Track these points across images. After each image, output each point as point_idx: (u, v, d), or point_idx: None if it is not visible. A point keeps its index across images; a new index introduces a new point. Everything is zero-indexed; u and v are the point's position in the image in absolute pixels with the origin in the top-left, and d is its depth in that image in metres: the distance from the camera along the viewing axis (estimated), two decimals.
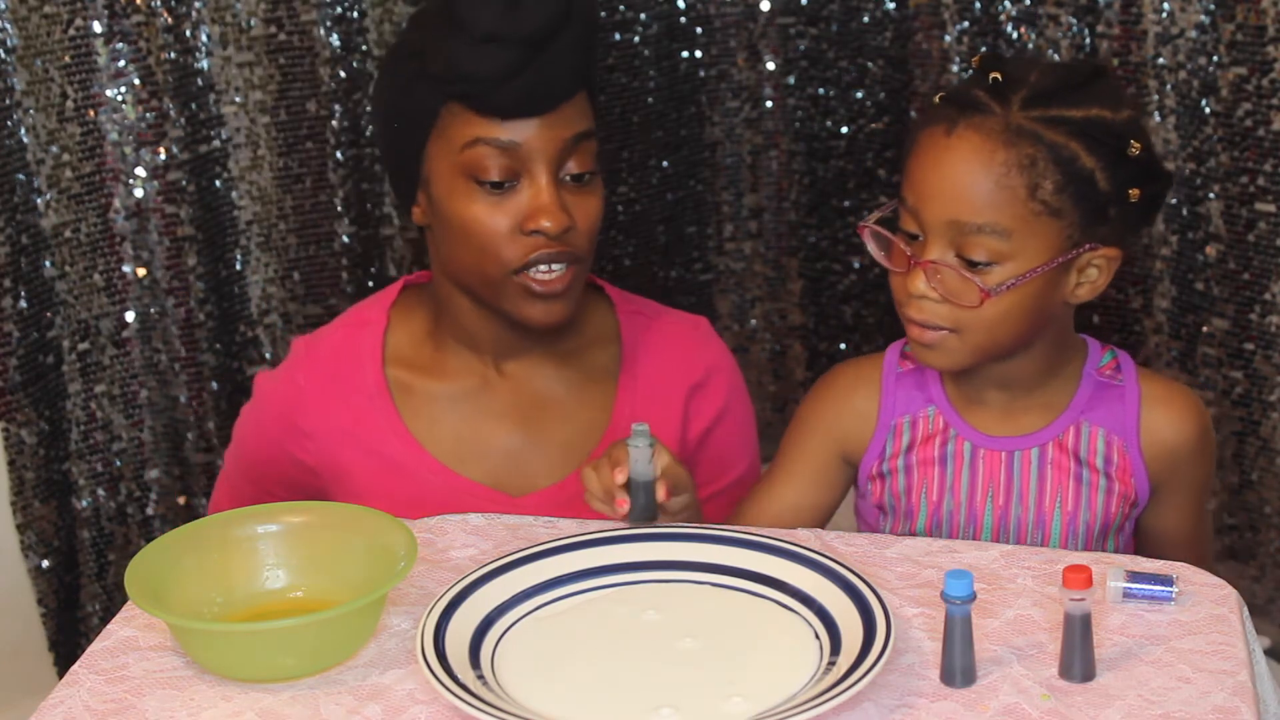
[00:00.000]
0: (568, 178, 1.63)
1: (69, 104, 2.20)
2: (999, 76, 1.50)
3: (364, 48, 2.34)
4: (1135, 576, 1.36)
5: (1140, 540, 1.64)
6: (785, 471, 1.68)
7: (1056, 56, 2.35)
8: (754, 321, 2.79)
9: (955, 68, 2.43)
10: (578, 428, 1.74)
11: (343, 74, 2.33)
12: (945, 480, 1.60)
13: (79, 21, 2.19)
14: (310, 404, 1.74)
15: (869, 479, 1.64)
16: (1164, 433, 1.59)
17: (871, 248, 1.55)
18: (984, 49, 1.57)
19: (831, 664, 1.28)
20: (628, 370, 1.76)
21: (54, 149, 2.21)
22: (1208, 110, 2.23)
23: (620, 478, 1.49)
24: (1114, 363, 1.61)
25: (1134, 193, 1.49)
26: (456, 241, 1.64)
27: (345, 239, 2.41)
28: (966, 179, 1.48)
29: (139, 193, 2.26)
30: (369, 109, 1.72)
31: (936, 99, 1.53)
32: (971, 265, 1.48)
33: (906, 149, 1.54)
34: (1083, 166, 1.47)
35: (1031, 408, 1.60)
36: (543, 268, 1.62)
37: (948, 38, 2.43)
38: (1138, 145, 1.49)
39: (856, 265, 2.68)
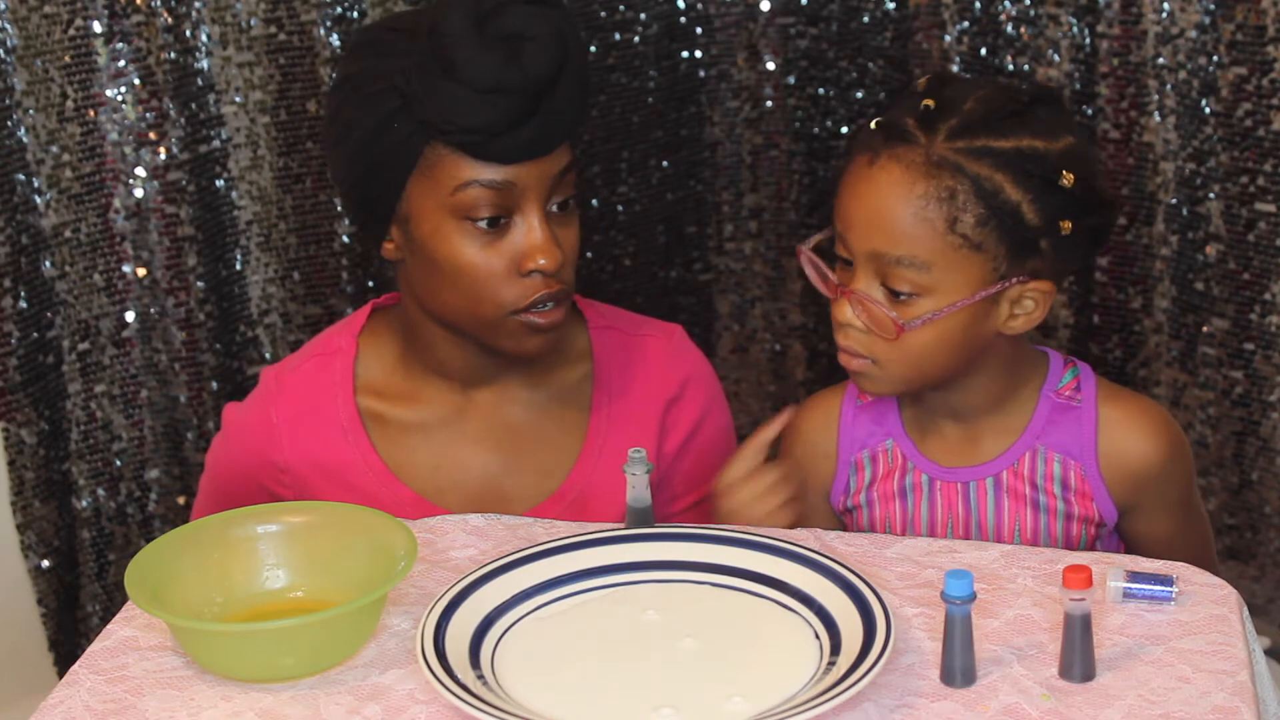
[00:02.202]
0: (554, 208, 1.61)
1: (69, 104, 2.21)
2: (931, 104, 1.46)
3: None
4: (1135, 576, 1.36)
5: (1130, 547, 1.62)
6: None
7: (1056, 57, 2.35)
8: (754, 321, 2.79)
9: (955, 68, 2.43)
10: (553, 451, 1.72)
11: None
12: (906, 514, 1.60)
13: (79, 21, 2.19)
14: (283, 438, 1.71)
15: (839, 514, 1.65)
16: (1125, 456, 1.55)
17: (809, 272, 1.53)
18: (929, 75, 1.53)
19: (831, 664, 1.28)
20: (601, 389, 1.73)
21: (54, 149, 2.21)
22: (1208, 110, 2.23)
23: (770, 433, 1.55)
24: (1074, 382, 1.57)
25: (1065, 225, 1.45)
26: (445, 282, 1.61)
27: (345, 239, 2.41)
28: (885, 211, 1.45)
29: (139, 193, 2.26)
30: (325, 136, 1.67)
31: (872, 124, 1.50)
32: (896, 296, 1.46)
33: (837, 173, 1.52)
34: (1007, 199, 1.44)
35: (988, 434, 1.58)
36: (540, 308, 1.61)
37: (948, 38, 2.43)
38: (1070, 176, 1.45)
39: None
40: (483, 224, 1.58)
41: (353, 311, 2.37)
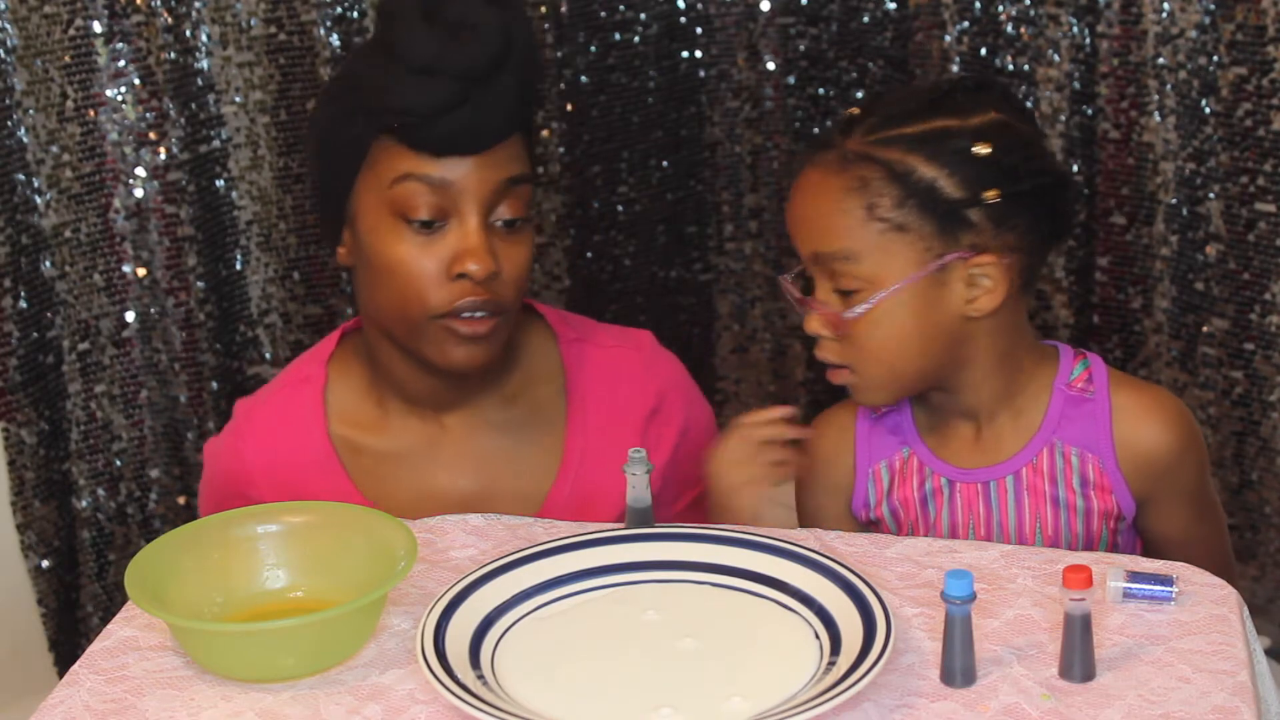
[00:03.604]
0: (499, 223, 1.58)
1: (69, 104, 2.21)
2: (855, 111, 1.53)
3: None
4: (1135, 576, 1.36)
5: (1147, 544, 1.62)
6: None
7: (1056, 57, 2.35)
8: (754, 321, 2.79)
9: (955, 68, 2.43)
10: (530, 474, 1.70)
11: None
12: (928, 519, 1.60)
13: (79, 21, 2.19)
14: (256, 473, 1.68)
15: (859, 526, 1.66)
16: (1140, 445, 1.56)
17: (789, 300, 1.57)
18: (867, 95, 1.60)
19: (831, 664, 1.28)
20: (575, 406, 1.71)
21: (54, 149, 2.21)
22: (1208, 110, 2.23)
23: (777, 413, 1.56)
24: (1086, 373, 1.58)
25: (990, 194, 1.48)
26: (379, 282, 1.59)
27: None
28: (811, 211, 1.52)
29: (139, 193, 2.26)
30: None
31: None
32: (847, 297, 1.50)
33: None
34: (921, 177, 1.47)
35: (1003, 432, 1.58)
36: (466, 315, 1.57)
37: (948, 38, 2.43)
38: (985, 146, 1.48)
39: None
40: (417, 224, 1.56)
41: (352, 312, 2.38)
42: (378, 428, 1.69)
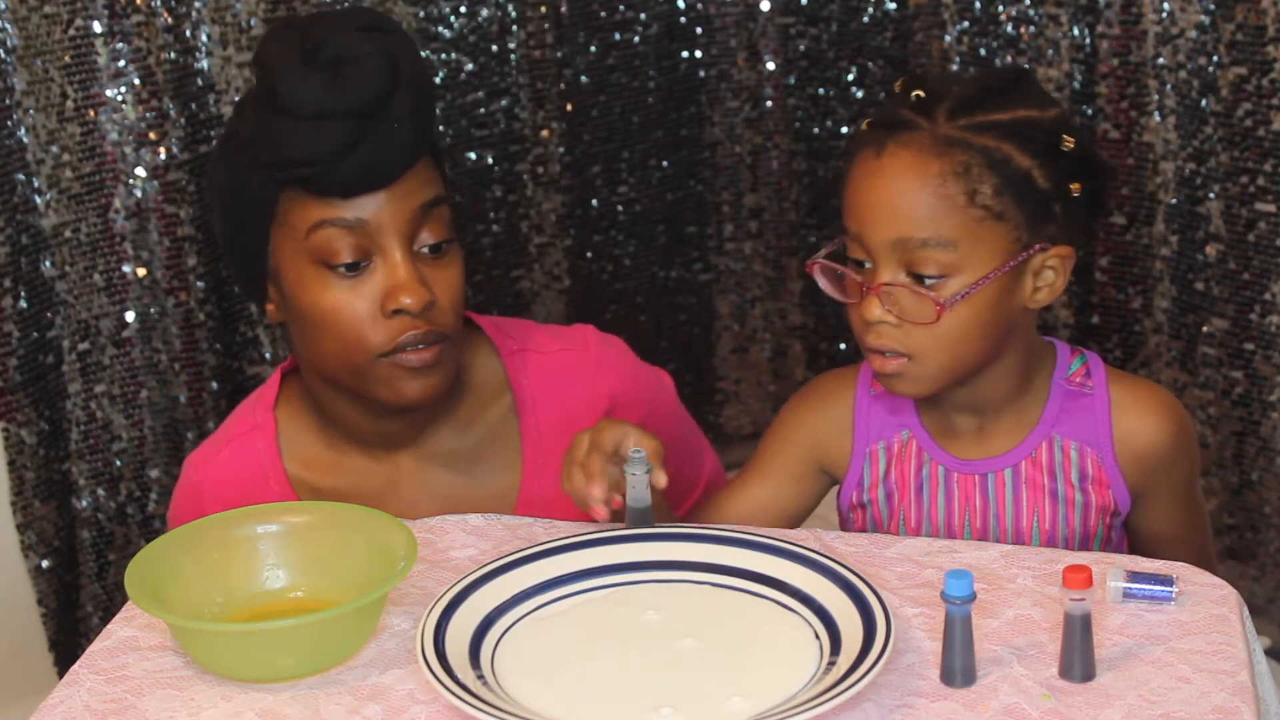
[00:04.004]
0: (424, 249, 1.55)
1: (69, 104, 2.21)
2: (921, 93, 1.49)
3: None
4: (1135, 576, 1.36)
5: (1133, 541, 1.63)
6: (760, 471, 1.66)
7: (1056, 57, 2.35)
8: (754, 321, 2.79)
9: (955, 68, 2.43)
10: (493, 496, 1.68)
11: None
12: (922, 506, 1.60)
13: (79, 21, 2.19)
14: None
15: (850, 508, 1.64)
16: (1138, 440, 1.56)
17: (823, 284, 1.53)
18: (903, 77, 1.56)
19: (831, 664, 1.28)
20: (527, 419, 1.68)
21: (54, 149, 2.21)
22: (1208, 110, 2.23)
23: (597, 492, 1.45)
24: (1084, 369, 1.58)
25: (1075, 187, 1.48)
26: (316, 333, 1.56)
27: None
28: (904, 195, 1.46)
29: (139, 193, 2.26)
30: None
31: (864, 125, 1.52)
32: (922, 282, 1.47)
33: (842, 179, 1.53)
34: (1018, 166, 1.46)
35: (1003, 426, 1.58)
36: (410, 349, 1.55)
37: (948, 38, 2.43)
38: (1070, 140, 1.48)
39: None
40: (341, 269, 1.53)
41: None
42: (336, 469, 1.67)
